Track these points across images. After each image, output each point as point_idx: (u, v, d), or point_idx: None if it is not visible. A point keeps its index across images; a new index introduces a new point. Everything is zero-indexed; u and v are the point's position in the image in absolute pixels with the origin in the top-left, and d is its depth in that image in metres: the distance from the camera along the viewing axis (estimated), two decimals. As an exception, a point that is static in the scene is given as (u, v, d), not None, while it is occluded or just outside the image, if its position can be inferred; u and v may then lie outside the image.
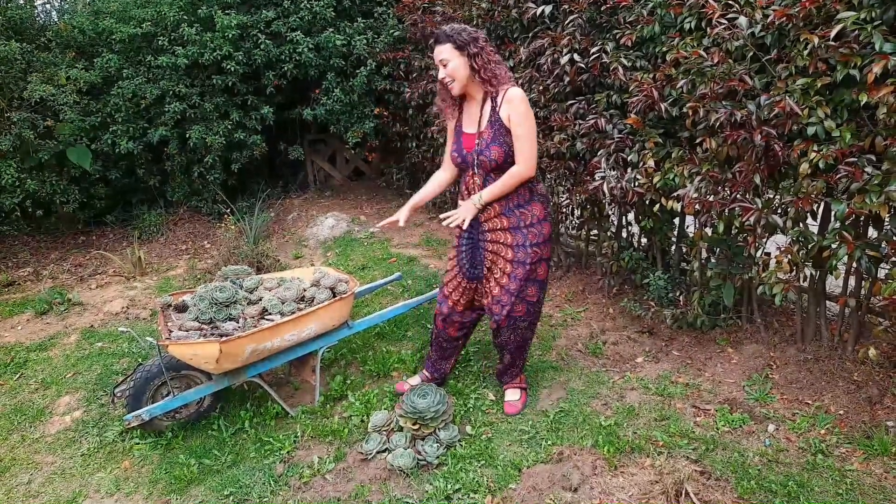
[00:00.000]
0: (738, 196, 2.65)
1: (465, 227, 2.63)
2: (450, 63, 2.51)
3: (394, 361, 3.35)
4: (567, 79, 3.43)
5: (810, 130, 2.37)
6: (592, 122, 3.26)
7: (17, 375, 3.52)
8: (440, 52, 2.51)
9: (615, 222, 4.09)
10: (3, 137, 4.95)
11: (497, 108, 2.53)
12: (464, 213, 2.59)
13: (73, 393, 3.28)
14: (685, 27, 2.83)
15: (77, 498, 2.50)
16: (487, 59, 2.50)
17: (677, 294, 3.50)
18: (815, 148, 2.35)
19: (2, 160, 5.02)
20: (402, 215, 2.80)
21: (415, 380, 3.13)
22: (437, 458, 2.51)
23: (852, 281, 2.92)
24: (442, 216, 2.66)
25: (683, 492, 2.21)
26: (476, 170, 2.60)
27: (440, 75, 2.55)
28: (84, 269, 5.33)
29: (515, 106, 2.48)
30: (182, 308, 2.93)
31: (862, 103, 2.22)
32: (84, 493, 2.53)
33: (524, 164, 2.51)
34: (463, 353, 3.26)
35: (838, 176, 2.29)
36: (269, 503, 2.39)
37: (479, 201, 2.57)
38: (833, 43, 2.23)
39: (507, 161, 2.53)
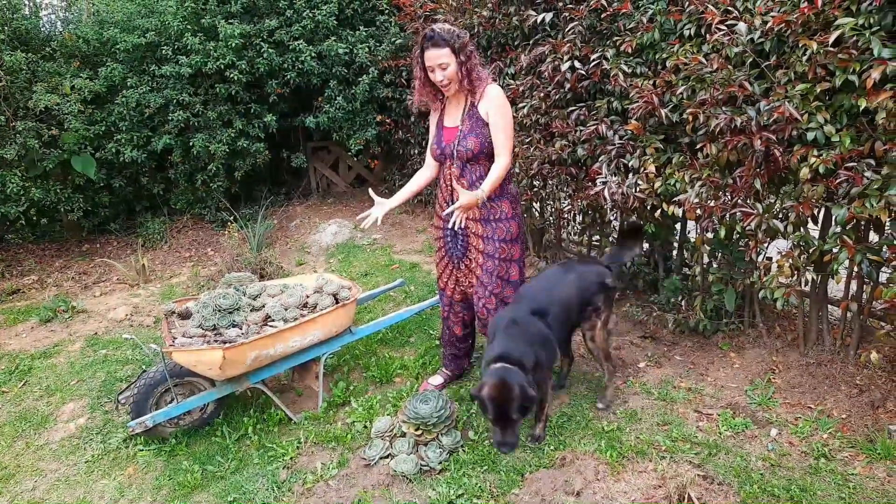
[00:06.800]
0: (738, 201, 2.66)
1: (467, 220, 2.69)
2: (449, 67, 2.58)
3: (396, 367, 3.36)
4: (568, 85, 3.45)
5: (810, 135, 2.38)
6: (593, 128, 3.28)
7: (22, 383, 3.54)
8: (440, 55, 2.56)
9: (616, 228, 4.10)
10: (8, 147, 5.00)
11: (476, 104, 2.67)
12: (464, 201, 2.51)
13: (77, 400, 3.29)
14: (685, 34, 2.85)
15: (81, 504, 2.51)
16: (473, 64, 2.63)
17: (679, 299, 3.50)
18: (815, 153, 2.36)
19: (7, 169, 5.06)
20: (379, 212, 2.84)
21: (436, 379, 3.16)
22: (440, 463, 2.52)
23: (854, 285, 2.92)
24: (445, 213, 2.68)
25: (686, 496, 2.21)
26: (453, 160, 2.73)
27: (438, 77, 2.61)
28: (88, 277, 5.35)
29: (495, 102, 2.64)
30: (186, 315, 2.94)
31: (861, 108, 2.22)
32: (88, 499, 2.54)
33: (505, 154, 2.63)
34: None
35: (838, 181, 2.30)
36: (272, 509, 2.39)
37: (483, 193, 2.56)
38: (832, 48, 2.24)
39: (482, 152, 2.66)
